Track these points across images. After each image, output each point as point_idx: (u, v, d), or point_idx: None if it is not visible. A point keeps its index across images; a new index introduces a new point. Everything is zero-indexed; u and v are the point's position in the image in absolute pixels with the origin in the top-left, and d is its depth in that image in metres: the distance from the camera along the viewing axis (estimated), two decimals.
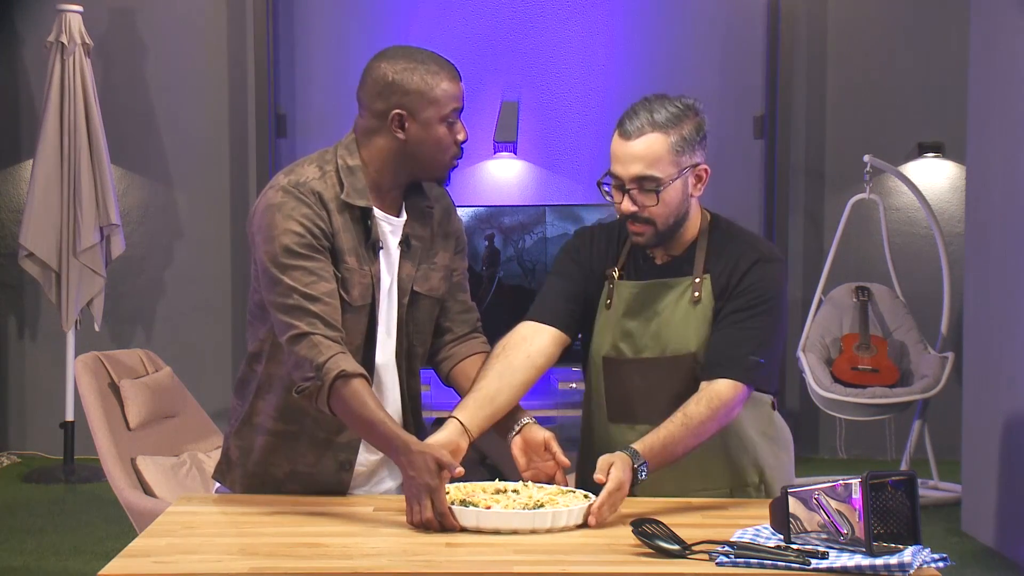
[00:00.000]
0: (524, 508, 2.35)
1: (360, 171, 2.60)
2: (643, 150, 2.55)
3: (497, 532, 2.31)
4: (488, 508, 2.34)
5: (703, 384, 2.57)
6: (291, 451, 2.64)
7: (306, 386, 2.48)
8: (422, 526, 2.34)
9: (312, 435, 2.63)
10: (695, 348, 2.62)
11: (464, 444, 2.53)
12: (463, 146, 2.63)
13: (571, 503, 2.39)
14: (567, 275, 2.75)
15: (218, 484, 2.76)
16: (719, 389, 2.55)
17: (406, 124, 2.57)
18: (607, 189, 2.64)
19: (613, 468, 2.39)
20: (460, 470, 2.40)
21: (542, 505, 2.37)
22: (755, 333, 2.59)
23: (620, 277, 2.70)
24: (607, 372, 2.70)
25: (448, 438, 2.51)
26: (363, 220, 2.61)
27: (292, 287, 2.49)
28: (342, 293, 2.56)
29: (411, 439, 2.44)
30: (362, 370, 2.49)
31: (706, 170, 2.63)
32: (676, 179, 2.57)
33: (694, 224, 2.68)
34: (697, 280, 2.63)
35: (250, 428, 2.67)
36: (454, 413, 2.56)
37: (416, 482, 2.36)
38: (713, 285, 2.63)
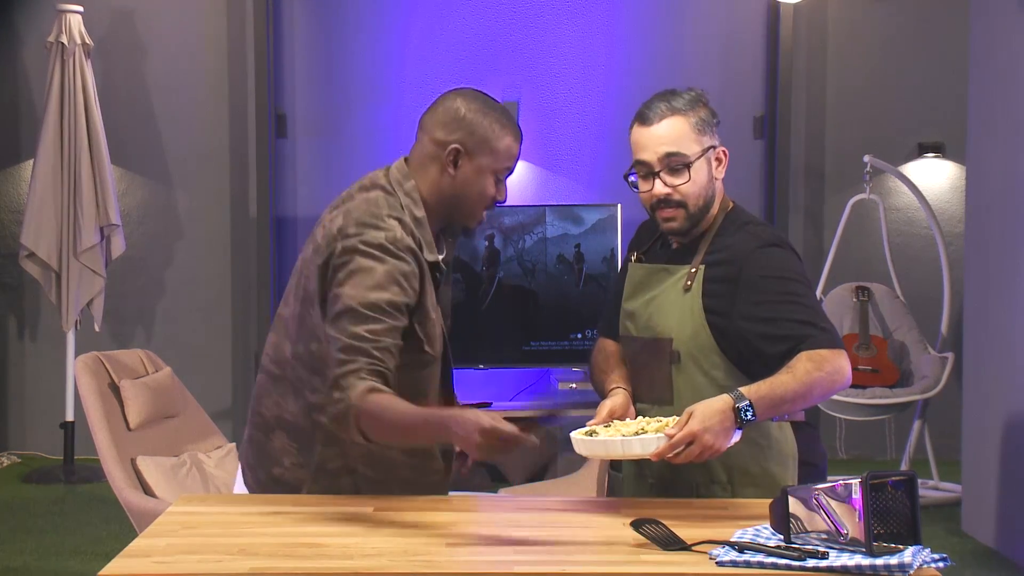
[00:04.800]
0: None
1: (426, 223, 2.60)
2: (667, 131, 2.63)
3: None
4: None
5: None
6: (381, 488, 2.64)
7: (335, 409, 2.40)
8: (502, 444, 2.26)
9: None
10: (672, 335, 2.65)
11: (632, 407, 2.70)
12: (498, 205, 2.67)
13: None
14: (620, 279, 2.86)
15: None
16: (818, 349, 2.51)
17: (460, 162, 2.59)
18: (633, 180, 2.69)
19: (691, 419, 2.41)
20: (534, 439, 2.28)
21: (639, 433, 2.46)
22: (801, 308, 2.56)
23: (638, 260, 2.79)
24: (622, 349, 2.81)
25: (622, 399, 2.68)
26: (432, 271, 2.61)
27: (364, 336, 2.42)
28: (428, 349, 2.59)
29: (447, 409, 2.45)
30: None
31: (724, 152, 2.70)
32: (700, 157, 2.63)
33: (715, 211, 2.72)
34: (693, 270, 2.66)
35: (326, 474, 2.63)
36: (615, 384, 2.73)
37: (470, 440, 2.26)
38: (705, 274, 2.64)
